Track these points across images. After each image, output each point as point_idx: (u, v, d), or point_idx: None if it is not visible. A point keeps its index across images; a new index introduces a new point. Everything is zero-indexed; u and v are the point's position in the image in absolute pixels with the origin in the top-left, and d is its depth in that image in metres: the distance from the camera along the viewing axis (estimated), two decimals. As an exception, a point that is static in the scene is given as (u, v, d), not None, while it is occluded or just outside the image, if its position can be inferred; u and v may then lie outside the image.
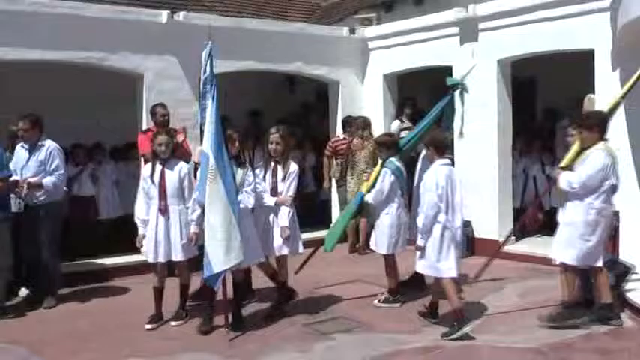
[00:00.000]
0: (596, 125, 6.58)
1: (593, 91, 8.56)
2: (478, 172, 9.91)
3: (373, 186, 7.58)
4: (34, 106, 9.73)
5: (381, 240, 7.62)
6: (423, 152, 7.64)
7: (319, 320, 7.05)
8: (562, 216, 6.73)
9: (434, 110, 8.12)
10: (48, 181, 7.70)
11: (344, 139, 10.96)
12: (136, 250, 7.35)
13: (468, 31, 10.15)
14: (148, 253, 6.96)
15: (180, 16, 9.66)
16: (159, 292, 7.05)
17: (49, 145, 7.86)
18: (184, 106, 9.51)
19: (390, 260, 7.71)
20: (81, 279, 8.61)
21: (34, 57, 8.73)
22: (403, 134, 11.19)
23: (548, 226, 10.37)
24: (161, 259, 6.93)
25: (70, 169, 9.76)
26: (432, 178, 6.65)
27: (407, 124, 11.28)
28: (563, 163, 6.85)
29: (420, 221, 6.62)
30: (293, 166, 7.14)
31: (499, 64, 9.83)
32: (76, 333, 6.84)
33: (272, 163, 7.09)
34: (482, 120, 9.83)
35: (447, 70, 10.38)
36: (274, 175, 7.05)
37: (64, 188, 8.23)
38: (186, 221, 6.86)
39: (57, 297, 7.87)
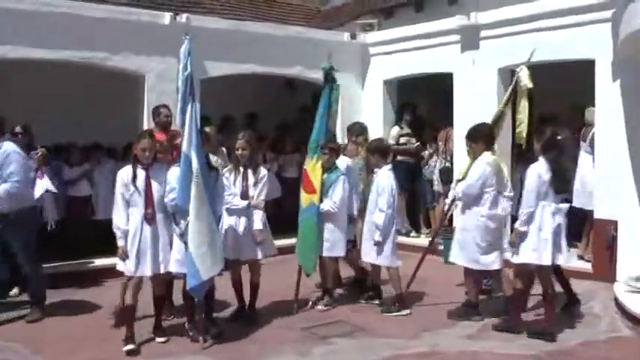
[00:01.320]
0: (482, 137, 7.26)
1: (592, 101, 8.63)
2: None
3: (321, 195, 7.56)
4: (34, 105, 9.81)
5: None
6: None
7: (318, 324, 7.05)
8: (457, 221, 7.48)
9: (321, 107, 7.87)
10: (0, 189, 6.97)
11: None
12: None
13: (469, 39, 10.20)
14: (128, 265, 6.26)
15: (183, 17, 9.68)
16: (133, 311, 6.43)
17: (6, 148, 7.07)
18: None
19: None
20: (77, 279, 8.59)
21: (36, 56, 8.74)
22: (402, 140, 11.29)
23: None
24: (147, 272, 6.30)
25: (67, 171, 9.77)
26: (386, 181, 7.50)
27: (406, 129, 11.32)
28: (459, 175, 7.50)
29: (380, 220, 7.34)
30: (263, 171, 7.17)
31: (499, 72, 9.88)
32: (73, 333, 6.83)
33: (241, 168, 7.07)
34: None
35: (448, 78, 10.46)
36: (245, 179, 7.04)
37: (46, 190, 8.02)
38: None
39: (41, 308, 7.37)
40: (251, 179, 7.02)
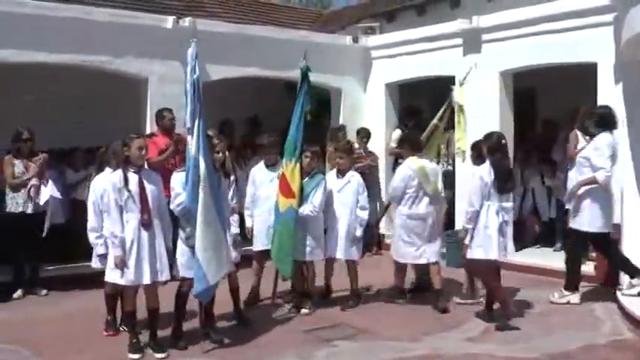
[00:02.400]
0: (407, 143, 8.14)
1: (594, 104, 8.63)
2: (479, 182, 9.91)
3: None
4: (35, 108, 9.83)
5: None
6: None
7: (320, 327, 7.06)
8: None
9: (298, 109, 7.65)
10: None
11: (358, 148, 11.09)
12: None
13: (471, 43, 10.22)
14: (127, 274, 6.04)
15: (186, 21, 9.72)
16: (135, 317, 6.31)
17: None
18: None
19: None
20: (79, 282, 8.56)
21: (40, 59, 8.77)
22: (405, 144, 11.29)
23: (546, 237, 10.55)
24: (146, 280, 6.09)
25: (70, 174, 9.76)
26: (360, 182, 7.97)
27: (408, 133, 11.33)
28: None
29: (366, 215, 7.96)
30: (232, 177, 7.14)
31: (501, 75, 9.89)
32: (74, 335, 6.82)
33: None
34: (483, 130, 9.80)
35: (449, 81, 10.45)
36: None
37: (45, 195, 8.15)
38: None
39: None
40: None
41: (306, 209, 7.47)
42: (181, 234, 6.41)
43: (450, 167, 10.50)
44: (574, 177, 7.78)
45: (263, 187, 7.85)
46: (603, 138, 7.54)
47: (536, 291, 8.37)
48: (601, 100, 8.53)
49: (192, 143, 6.30)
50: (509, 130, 9.96)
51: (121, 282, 6.11)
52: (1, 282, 8.20)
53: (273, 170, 7.76)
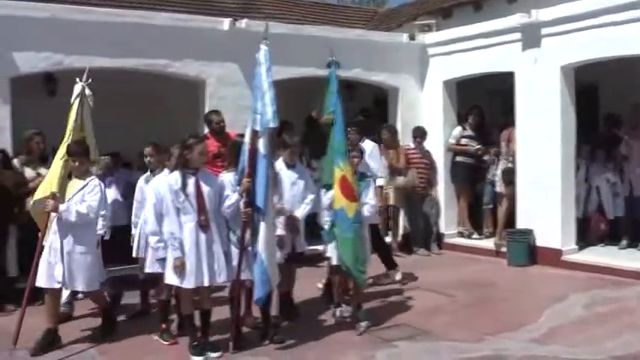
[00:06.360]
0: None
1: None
2: (540, 179, 9.76)
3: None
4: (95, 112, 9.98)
5: None
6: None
7: (382, 327, 6.99)
8: None
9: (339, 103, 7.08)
10: None
11: (413, 148, 11.19)
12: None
13: (531, 37, 10.01)
14: (188, 276, 6.05)
15: (243, 23, 9.78)
16: (193, 319, 6.33)
17: None
18: (246, 112, 9.57)
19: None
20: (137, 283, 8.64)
21: (102, 64, 8.93)
22: (464, 141, 11.19)
23: (611, 235, 10.29)
24: (206, 282, 6.11)
25: (133, 175, 9.86)
26: None
27: (469, 132, 11.21)
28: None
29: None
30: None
31: (562, 70, 9.66)
32: (137, 337, 6.86)
33: None
34: (544, 127, 9.71)
35: (508, 77, 10.30)
36: None
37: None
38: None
39: None
40: None
41: (364, 210, 7.12)
42: (232, 237, 6.42)
43: (511, 164, 10.33)
44: None
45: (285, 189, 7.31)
46: None
47: (602, 290, 8.16)
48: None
49: (262, 144, 6.28)
50: (572, 126, 9.76)
51: (182, 285, 6.12)
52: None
53: (294, 171, 7.22)
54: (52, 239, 6.39)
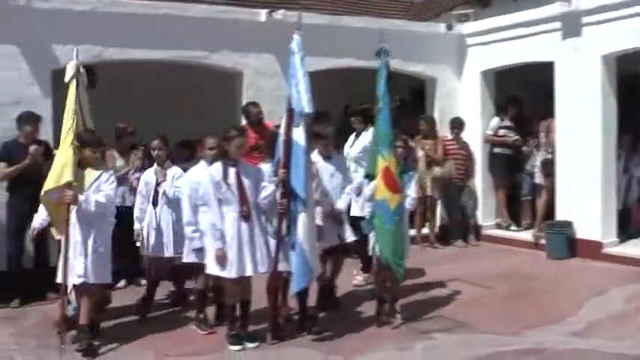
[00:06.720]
0: None
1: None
2: (580, 170, 9.63)
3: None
4: (133, 102, 10.10)
5: None
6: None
7: (419, 319, 6.96)
8: None
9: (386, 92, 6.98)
10: None
11: (451, 139, 11.13)
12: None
13: (571, 26, 9.84)
14: (230, 266, 6.07)
15: (280, 14, 9.79)
16: (234, 309, 6.30)
17: None
18: (283, 103, 9.57)
19: None
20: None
21: (140, 56, 9.04)
22: (502, 132, 11.08)
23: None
24: (248, 272, 6.13)
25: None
26: None
27: (507, 122, 11.10)
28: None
29: None
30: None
31: (603, 59, 9.49)
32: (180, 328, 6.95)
33: None
34: (585, 117, 9.56)
35: (548, 67, 10.16)
36: None
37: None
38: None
39: None
40: None
41: (407, 204, 6.98)
42: (269, 228, 6.41)
43: (550, 155, 10.20)
44: None
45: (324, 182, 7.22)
46: None
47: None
48: None
49: (297, 133, 6.27)
50: (613, 116, 9.60)
51: (224, 275, 6.14)
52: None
53: (330, 163, 7.15)
54: (69, 233, 6.14)
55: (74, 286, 6.22)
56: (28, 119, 7.94)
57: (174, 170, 7.24)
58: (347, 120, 11.51)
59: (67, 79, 6.55)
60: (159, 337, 6.60)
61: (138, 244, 7.39)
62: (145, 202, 7.26)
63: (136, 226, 7.29)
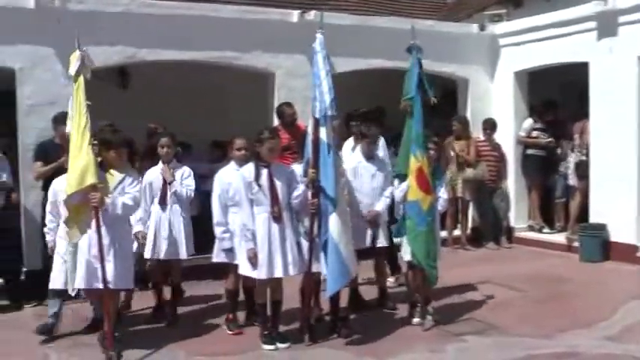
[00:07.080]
0: None
1: None
2: (614, 172, 9.49)
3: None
4: (166, 103, 10.18)
5: None
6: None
7: (451, 321, 6.91)
8: None
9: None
10: None
11: (483, 141, 11.05)
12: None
13: (606, 26, 9.71)
14: (260, 268, 6.04)
15: (312, 15, 9.78)
16: (265, 309, 6.31)
17: None
18: (313, 103, 9.61)
19: None
20: (211, 272, 8.67)
21: (171, 57, 9.11)
22: (535, 133, 10.97)
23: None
24: (278, 273, 6.08)
25: (201, 166, 9.99)
26: None
27: (540, 124, 10.98)
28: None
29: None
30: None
31: (639, 60, 9.35)
32: (210, 326, 7.02)
33: None
34: (620, 118, 9.42)
35: (582, 67, 10.03)
36: None
37: None
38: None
39: None
40: None
41: (439, 206, 6.90)
42: (300, 228, 6.38)
43: (584, 157, 10.06)
44: None
45: (365, 182, 7.16)
46: None
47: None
48: None
49: (323, 132, 6.23)
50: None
51: (254, 275, 6.13)
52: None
53: (372, 164, 7.11)
54: (91, 236, 5.94)
55: (91, 290, 6.12)
56: (64, 120, 7.99)
57: (182, 169, 7.12)
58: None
59: (72, 71, 6.07)
60: (189, 340, 6.59)
61: (135, 245, 6.87)
62: (151, 204, 6.99)
63: (139, 228, 6.91)
